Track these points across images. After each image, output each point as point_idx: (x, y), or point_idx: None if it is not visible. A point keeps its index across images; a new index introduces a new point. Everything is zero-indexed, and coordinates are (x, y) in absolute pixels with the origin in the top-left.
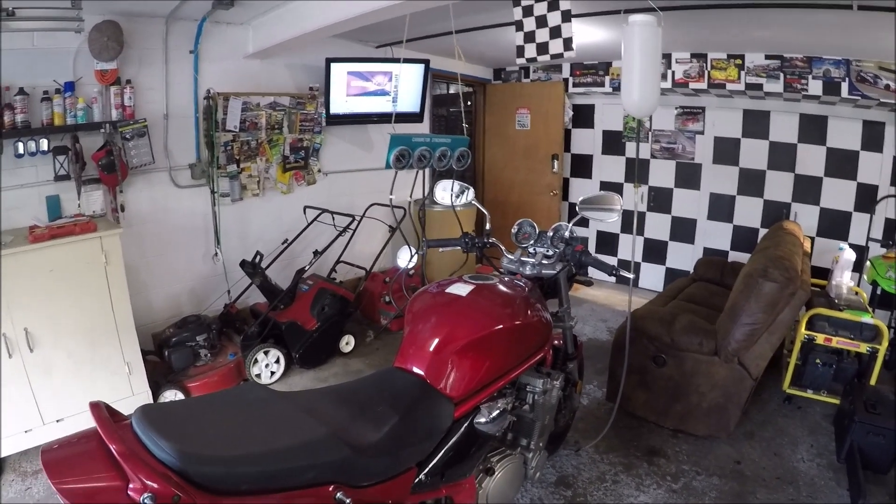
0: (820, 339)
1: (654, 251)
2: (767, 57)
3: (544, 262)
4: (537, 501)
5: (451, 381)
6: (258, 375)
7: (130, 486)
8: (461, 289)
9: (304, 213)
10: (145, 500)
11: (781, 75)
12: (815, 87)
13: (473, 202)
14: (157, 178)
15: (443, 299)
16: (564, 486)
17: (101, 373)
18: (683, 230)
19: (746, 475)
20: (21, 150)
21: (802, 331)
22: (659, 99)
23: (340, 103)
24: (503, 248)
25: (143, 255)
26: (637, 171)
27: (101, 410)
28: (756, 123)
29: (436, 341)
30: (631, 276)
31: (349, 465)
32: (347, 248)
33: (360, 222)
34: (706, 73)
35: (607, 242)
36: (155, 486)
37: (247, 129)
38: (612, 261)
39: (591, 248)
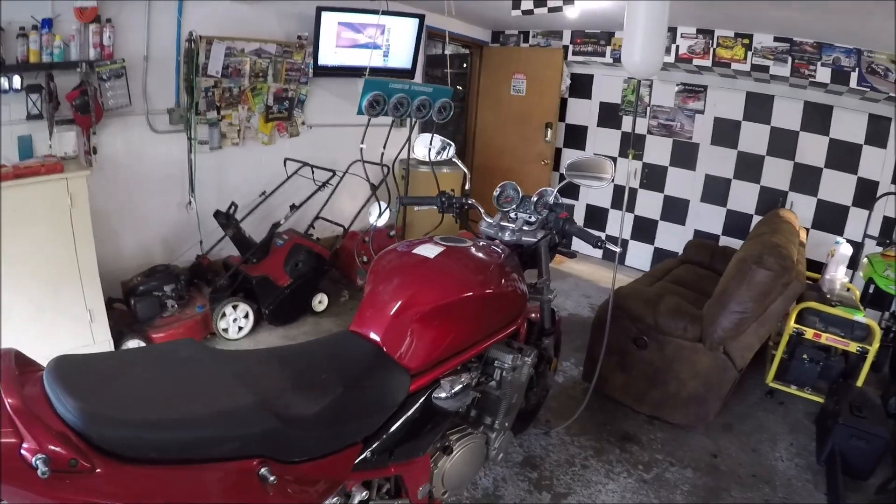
0: (809, 333)
1: (644, 229)
2: (776, 39)
3: (525, 228)
4: (500, 481)
5: (410, 350)
6: (225, 330)
7: (24, 445)
8: (430, 250)
9: (285, 165)
10: (37, 463)
11: (789, 59)
12: (824, 74)
13: (454, 159)
14: (133, 121)
15: (409, 260)
16: (531, 467)
17: (62, 319)
18: (675, 210)
19: (722, 470)
20: None
21: (791, 324)
22: (662, 60)
23: (329, 54)
24: (482, 210)
25: (114, 199)
26: (633, 142)
27: (8, 359)
28: (759, 107)
29: (396, 305)
30: (617, 249)
31: (276, 438)
32: (328, 205)
33: (342, 179)
34: (712, 50)
35: (596, 216)
36: (50, 447)
37: (229, 75)
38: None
39: (580, 221)
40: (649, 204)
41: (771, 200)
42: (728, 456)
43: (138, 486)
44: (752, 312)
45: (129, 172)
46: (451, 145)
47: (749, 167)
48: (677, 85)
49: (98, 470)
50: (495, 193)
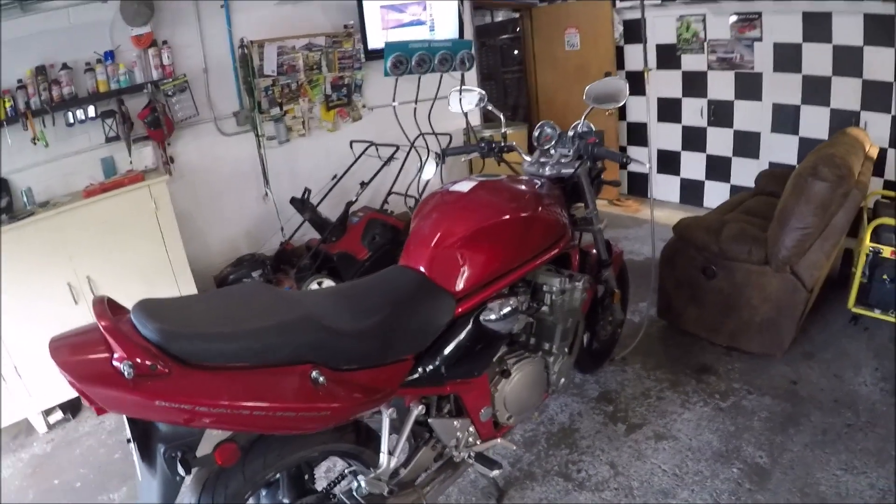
0: (887, 251)
1: (717, 168)
2: None
3: (562, 161)
4: (576, 416)
5: (453, 275)
6: None
7: (115, 355)
8: (465, 185)
9: (351, 147)
10: (124, 368)
11: None
12: None
13: (488, 106)
14: (203, 129)
15: (447, 197)
16: (606, 401)
17: None
18: (747, 144)
19: (801, 396)
20: (71, 120)
21: (867, 243)
22: None
23: (378, 38)
24: (521, 151)
25: (196, 202)
26: (645, 60)
27: (102, 303)
28: (817, 27)
29: (437, 236)
30: (645, 165)
31: (325, 346)
32: (401, 181)
33: (408, 153)
34: None
35: (669, 160)
36: (135, 356)
37: (285, 72)
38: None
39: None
40: (720, 141)
41: (843, 123)
42: (808, 383)
43: (206, 387)
44: (813, 227)
45: (206, 175)
46: (484, 95)
47: (816, 90)
48: (731, 15)
49: (173, 374)
50: (535, 134)
